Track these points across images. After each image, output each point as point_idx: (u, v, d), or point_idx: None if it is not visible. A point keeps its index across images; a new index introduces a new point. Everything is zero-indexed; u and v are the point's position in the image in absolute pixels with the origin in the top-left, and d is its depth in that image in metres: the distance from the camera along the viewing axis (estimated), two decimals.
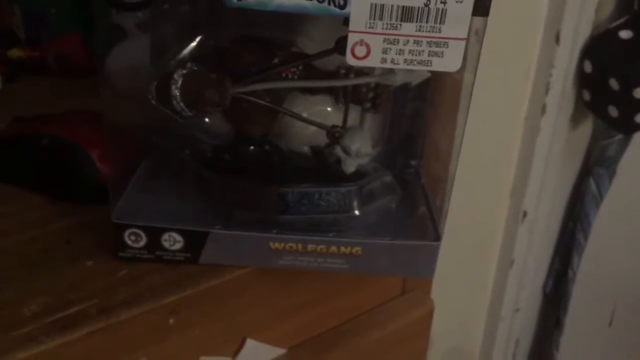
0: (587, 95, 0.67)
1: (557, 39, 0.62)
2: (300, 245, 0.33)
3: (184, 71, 0.33)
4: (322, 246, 0.33)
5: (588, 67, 0.66)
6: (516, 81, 0.64)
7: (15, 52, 0.56)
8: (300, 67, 0.35)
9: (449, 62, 0.29)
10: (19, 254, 0.33)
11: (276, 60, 0.35)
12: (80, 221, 0.36)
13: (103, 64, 0.39)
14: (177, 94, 0.33)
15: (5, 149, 0.40)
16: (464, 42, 0.28)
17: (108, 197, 0.33)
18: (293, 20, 0.34)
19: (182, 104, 0.33)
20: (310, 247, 0.33)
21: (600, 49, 0.65)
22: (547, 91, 0.64)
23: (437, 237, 0.34)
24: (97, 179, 0.37)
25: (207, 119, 0.35)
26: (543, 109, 0.65)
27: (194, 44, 0.35)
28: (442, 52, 0.29)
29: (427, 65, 0.29)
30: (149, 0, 0.27)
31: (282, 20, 0.33)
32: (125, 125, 0.39)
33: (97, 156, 0.38)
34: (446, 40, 0.28)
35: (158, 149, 0.39)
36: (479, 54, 0.30)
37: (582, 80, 0.67)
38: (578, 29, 0.64)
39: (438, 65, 0.29)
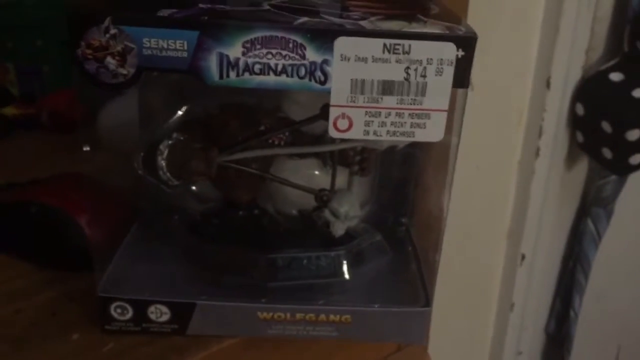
0: (580, 137, 0.67)
1: (548, 83, 0.63)
2: (288, 315, 0.33)
3: (170, 142, 0.33)
4: (311, 315, 0.33)
5: (580, 109, 0.66)
6: (509, 126, 0.64)
7: (10, 110, 0.57)
8: (287, 132, 0.35)
9: (431, 132, 0.29)
10: (4, 329, 0.33)
11: (262, 128, 0.35)
12: (67, 291, 0.36)
13: (91, 121, 0.39)
14: (163, 164, 0.33)
15: None
16: (445, 114, 0.28)
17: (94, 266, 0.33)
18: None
19: (168, 174, 0.33)
20: (298, 315, 0.33)
21: (591, 92, 0.65)
22: (540, 134, 0.64)
23: (428, 303, 0.34)
24: (85, 246, 0.37)
25: (194, 187, 0.35)
26: (537, 152, 0.65)
27: (180, 112, 0.35)
28: (424, 123, 0.29)
29: (409, 137, 0.29)
30: (131, 81, 0.28)
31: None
32: (114, 189, 0.39)
33: (85, 222, 0.38)
34: (427, 112, 0.28)
35: (147, 214, 0.39)
36: (462, 121, 0.30)
37: (575, 122, 0.67)
38: (569, 71, 0.64)
39: (420, 136, 0.29)
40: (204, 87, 0.36)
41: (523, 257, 0.69)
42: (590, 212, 0.73)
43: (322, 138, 0.36)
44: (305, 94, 0.36)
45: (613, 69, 0.65)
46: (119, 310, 0.32)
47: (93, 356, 0.31)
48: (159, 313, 0.32)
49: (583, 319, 0.77)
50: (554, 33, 0.60)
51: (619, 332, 0.87)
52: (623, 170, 0.66)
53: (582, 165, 0.73)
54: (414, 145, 0.37)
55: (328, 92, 0.28)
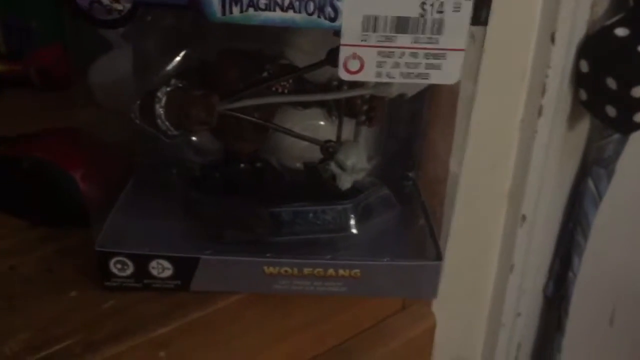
0: (584, 95, 0.66)
1: (553, 38, 0.61)
2: (296, 269, 0.31)
3: (168, 89, 0.31)
4: (319, 269, 0.32)
5: (584, 66, 0.64)
6: (512, 83, 0.63)
7: None
8: (291, 80, 0.34)
9: (447, 74, 0.27)
10: None
11: (265, 74, 0.33)
12: (62, 247, 0.35)
13: (84, 76, 0.37)
14: (162, 112, 0.31)
15: None
16: (462, 53, 0.27)
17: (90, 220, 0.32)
18: (281, 31, 0.33)
19: (167, 123, 0.31)
20: (306, 270, 0.31)
21: (596, 48, 0.64)
22: (543, 92, 0.63)
23: (439, 256, 0.32)
24: (80, 201, 0.36)
25: (194, 138, 0.34)
26: (540, 111, 0.64)
27: (178, 58, 0.33)
28: (440, 64, 0.27)
29: (424, 79, 0.27)
30: (127, 17, 0.26)
31: (269, 31, 0.31)
32: (109, 144, 0.37)
33: (79, 177, 0.36)
34: (444, 52, 0.27)
35: (143, 168, 0.37)
36: (479, 63, 0.28)
37: (579, 79, 0.65)
38: (573, 27, 0.62)
39: (436, 78, 0.27)
40: (201, 31, 0.34)
41: (524, 217, 0.68)
42: (591, 172, 0.72)
43: (328, 86, 0.34)
44: (310, 40, 0.34)
45: (618, 24, 0.63)
46: (119, 266, 0.31)
47: (93, 313, 0.30)
48: (161, 268, 0.31)
49: (579, 279, 0.77)
50: None
51: (615, 291, 0.87)
52: (627, 128, 0.65)
53: (584, 125, 0.72)
54: (421, 95, 0.35)
55: (337, 31, 0.26)
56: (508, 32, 0.60)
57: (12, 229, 0.36)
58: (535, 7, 0.61)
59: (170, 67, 0.33)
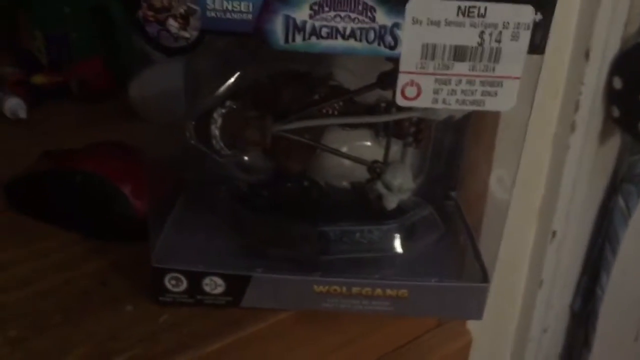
0: (616, 112, 0.66)
1: (587, 55, 0.61)
2: (344, 288, 0.32)
3: (223, 110, 0.32)
4: (368, 289, 0.32)
5: (617, 83, 0.64)
6: (545, 99, 0.63)
7: (39, 79, 0.56)
8: (340, 102, 0.34)
9: (502, 101, 0.28)
10: (55, 298, 0.32)
11: (316, 97, 0.34)
12: (114, 261, 0.35)
13: (125, 90, 0.38)
14: (217, 133, 0.32)
15: (36, 186, 0.39)
16: (518, 81, 0.27)
17: (140, 234, 0.32)
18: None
19: (221, 143, 0.32)
20: (355, 290, 0.32)
21: (629, 65, 0.64)
22: (576, 109, 0.63)
23: (486, 278, 0.33)
24: (131, 216, 0.37)
25: (246, 157, 0.34)
26: (572, 127, 0.64)
27: (232, 80, 0.34)
28: (496, 91, 0.27)
29: (480, 105, 0.28)
30: (194, 44, 0.26)
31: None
32: (159, 159, 0.38)
33: (129, 192, 0.37)
34: (500, 80, 0.27)
35: (192, 185, 0.38)
36: (534, 89, 0.29)
37: (611, 96, 0.65)
38: (607, 44, 0.62)
39: (491, 105, 0.28)
40: (254, 54, 0.35)
41: (554, 234, 0.68)
42: (622, 188, 0.72)
43: (376, 108, 0.35)
44: (358, 63, 0.35)
45: None
46: (173, 282, 0.32)
47: (149, 327, 0.31)
48: (214, 285, 0.32)
49: (606, 295, 0.77)
50: (595, 3, 0.59)
51: None
52: None
53: (615, 142, 0.71)
54: (466, 116, 0.36)
55: (392, 59, 0.27)
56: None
57: (62, 242, 0.37)
58: (570, 24, 0.61)
59: (223, 88, 0.34)
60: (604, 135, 0.69)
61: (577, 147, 0.65)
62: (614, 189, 0.73)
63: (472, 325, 0.46)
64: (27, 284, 0.33)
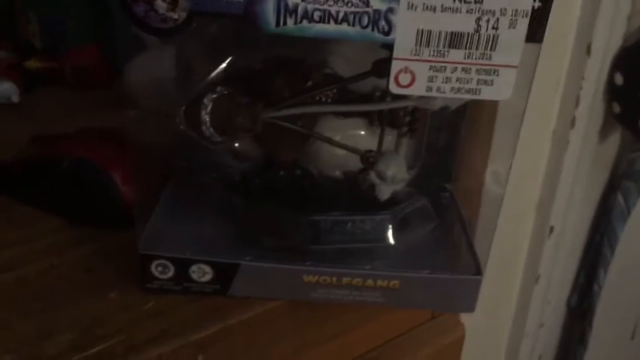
0: (617, 108, 0.65)
1: (588, 50, 0.60)
2: (334, 279, 0.31)
3: (214, 95, 0.31)
4: (358, 279, 0.31)
5: (619, 79, 0.63)
6: (545, 94, 0.62)
7: (32, 64, 0.55)
8: (334, 90, 0.33)
9: (499, 90, 0.27)
10: (38, 284, 0.32)
11: (309, 83, 0.33)
12: (101, 248, 0.35)
13: (119, 75, 0.37)
14: (207, 119, 0.31)
15: (24, 170, 0.39)
16: (515, 70, 0.27)
17: (129, 222, 0.32)
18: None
19: (211, 129, 0.32)
20: (345, 280, 0.31)
21: (632, 61, 0.63)
22: (576, 104, 0.62)
23: (479, 271, 0.32)
24: (120, 203, 0.36)
25: (236, 144, 0.34)
26: (572, 122, 0.63)
27: (223, 65, 0.33)
28: (492, 80, 0.27)
29: (475, 94, 0.27)
30: (182, 26, 0.26)
31: (314, 39, 0.31)
32: (149, 145, 0.38)
33: (119, 178, 0.37)
34: (497, 68, 0.27)
35: (182, 171, 0.37)
36: (531, 80, 0.28)
37: (613, 92, 0.65)
38: (609, 39, 0.62)
39: (487, 93, 0.27)
40: (246, 39, 0.34)
41: (552, 229, 0.68)
42: (621, 185, 0.72)
43: (370, 96, 0.34)
44: (353, 49, 0.34)
45: None
46: (160, 269, 0.31)
47: (133, 314, 0.30)
48: (202, 272, 0.31)
49: (603, 292, 0.76)
50: None
51: (637, 307, 0.86)
52: None
53: (615, 138, 0.71)
54: (462, 107, 0.35)
55: (388, 45, 0.26)
56: (544, 43, 0.59)
57: (50, 227, 0.36)
58: (572, 19, 0.60)
59: (215, 74, 0.33)
60: (604, 131, 0.69)
61: (577, 143, 0.65)
62: (613, 185, 0.73)
63: (467, 319, 0.45)
64: (12, 268, 0.33)
